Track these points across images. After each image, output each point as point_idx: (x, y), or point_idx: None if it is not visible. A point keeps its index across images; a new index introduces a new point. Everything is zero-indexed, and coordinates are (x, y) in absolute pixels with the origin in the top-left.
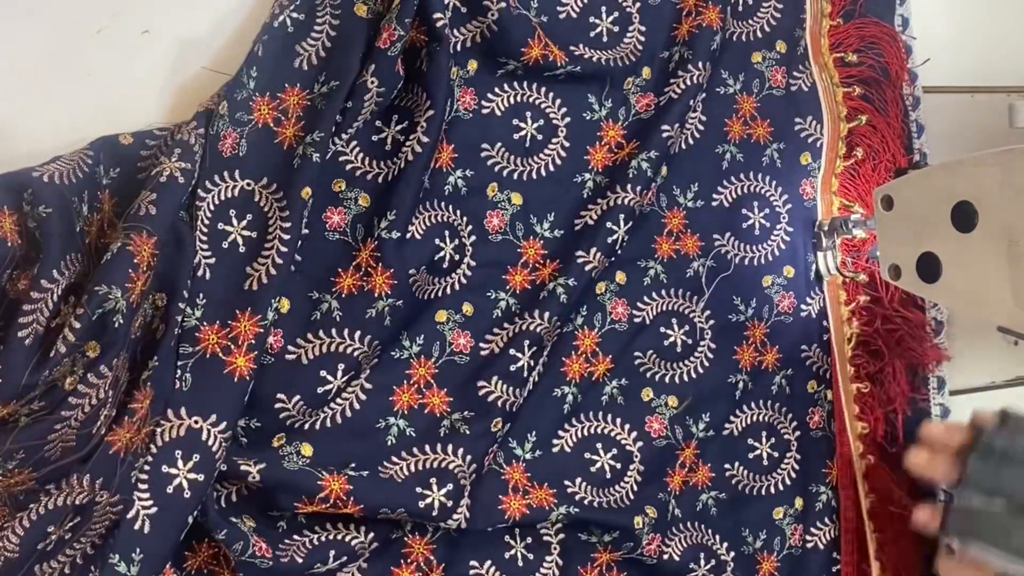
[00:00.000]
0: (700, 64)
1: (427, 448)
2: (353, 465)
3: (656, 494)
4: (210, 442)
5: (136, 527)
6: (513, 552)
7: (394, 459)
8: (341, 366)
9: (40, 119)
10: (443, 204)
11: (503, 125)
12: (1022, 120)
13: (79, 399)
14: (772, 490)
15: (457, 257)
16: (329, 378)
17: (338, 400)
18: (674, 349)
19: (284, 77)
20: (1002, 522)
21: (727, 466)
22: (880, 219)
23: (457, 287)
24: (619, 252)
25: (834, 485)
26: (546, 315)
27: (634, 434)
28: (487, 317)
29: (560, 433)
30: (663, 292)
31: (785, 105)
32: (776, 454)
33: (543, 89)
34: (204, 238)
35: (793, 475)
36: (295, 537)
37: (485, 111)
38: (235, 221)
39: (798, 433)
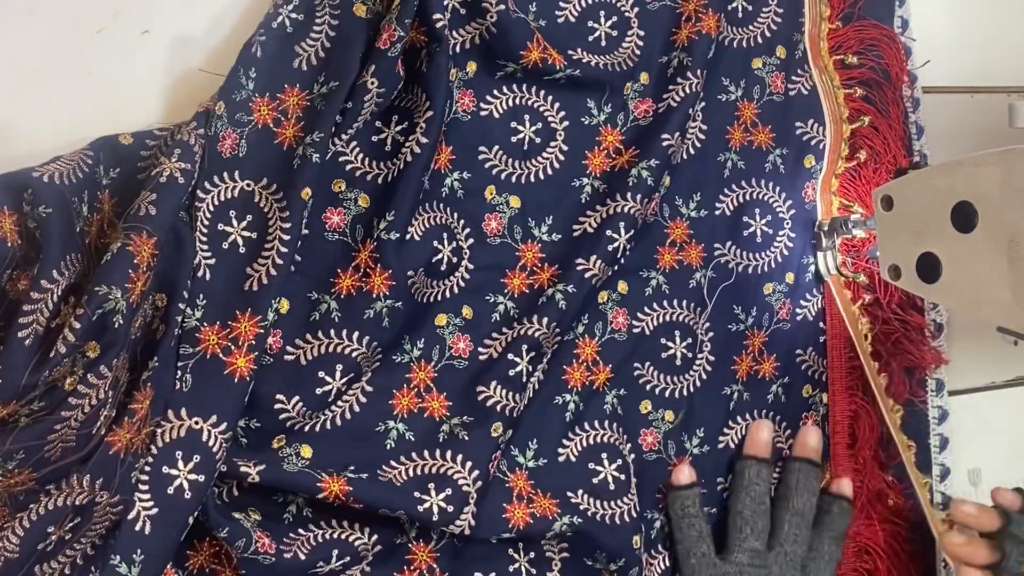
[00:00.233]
0: (699, 71)
1: (426, 453)
2: (352, 468)
3: (644, 509)
4: (210, 443)
5: (137, 528)
6: (517, 566)
7: (393, 463)
8: (339, 367)
9: (40, 119)
10: (440, 206)
11: (501, 127)
12: (1022, 120)
13: (79, 399)
14: None
15: (455, 260)
16: (328, 379)
17: (338, 403)
18: (673, 362)
19: (283, 78)
20: None
21: (719, 480)
22: (880, 219)
23: (456, 290)
24: (621, 261)
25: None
26: (544, 321)
27: (629, 445)
28: (486, 321)
29: (564, 442)
30: (665, 303)
31: (785, 110)
32: None
33: (542, 92)
34: (204, 239)
35: None
36: (300, 531)
37: (484, 113)
38: (235, 222)
39: (791, 441)
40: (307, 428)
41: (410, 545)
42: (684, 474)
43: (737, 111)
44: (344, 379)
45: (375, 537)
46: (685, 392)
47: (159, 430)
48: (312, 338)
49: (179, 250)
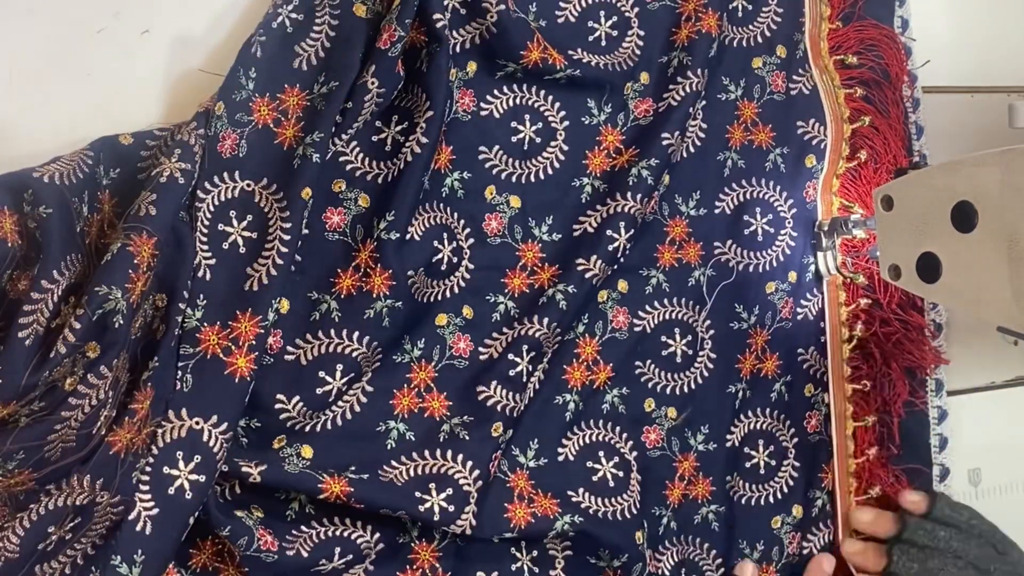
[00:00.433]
0: (699, 71)
1: (427, 453)
2: (353, 468)
3: (651, 507)
4: (211, 443)
5: (137, 528)
6: (519, 565)
7: (394, 463)
8: (340, 367)
9: (40, 119)
10: (441, 206)
11: (502, 127)
12: (1022, 120)
13: (79, 399)
14: (771, 499)
15: (455, 260)
16: (328, 379)
17: (339, 403)
18: (674, 359)
19: (283, 78)
20: None
21: (727, 478)
22: (880, 219)
23: (456, 290)
24: (621, 260)
25: (830, 489)
26: (545, 321)
27: (631, 443)
28: (486, 321)
29: (564, 441)
30: (665, 301)
31: (786, 109)
32: (773, 462)
33: (542, 92)
34: (204, 239)
35: (791, 482)
36: (303, 528)
37: (484, 113)
38: (235, 222)
39: (796, 440)
40: (308, 428)
41: (412, 544)
42: (751, 571)
43: (737, 110)
44: (344, 379)
45: (377, 536)
46: (687, 389)
47: (160, 430)
48: (312, 338)
49: (179, 250)
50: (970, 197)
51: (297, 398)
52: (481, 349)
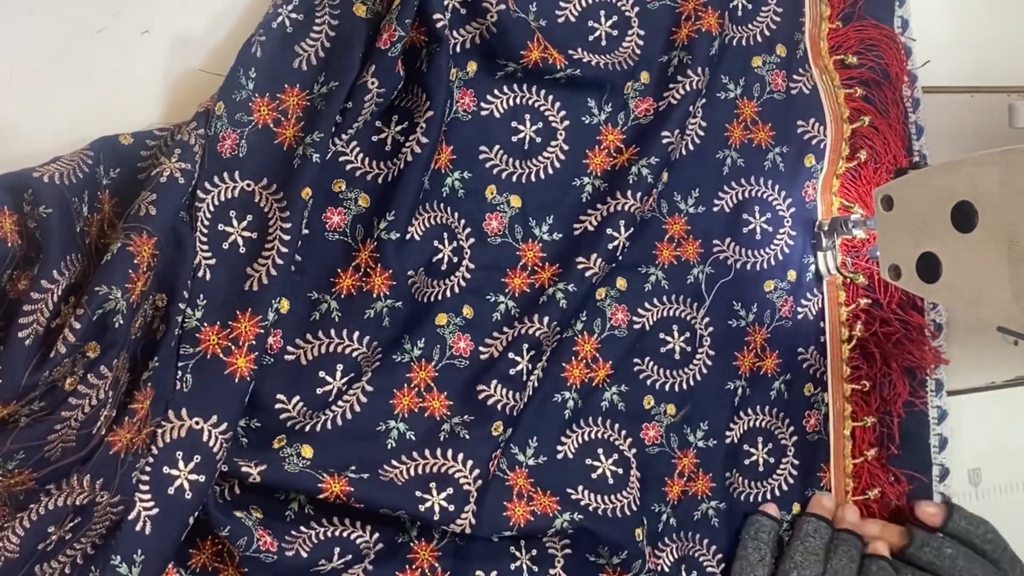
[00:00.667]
0: (699, 69)
1: (427, 452)
2: (353, 468)
3: (651, 504)
4: (211, 443)
5: (137, 528)
6: (519, 564)
7: (394, 462)
8: (340, 367)
9: (40, 119)
10: (441, 206)
11: (502, 127)
12: (1022, 120)
13: (79, 399)
14: (768, 496)
15: (455, 260)
16: (328, 379)
17: (339, 402)
18: (672, 356)
19: (283, 78)
20: None
21: (727, 474)
22: (880, 219)
23: (456, 290)
24: (620, 258)
25: (828, 489)
26: (545, 320)
27: (629, 440)
28: (486, 320)
29: (563, 439)
30: (664, 298)
31: (786, 109)
32: (772, 460)
33: (543, 92)
34: (204, 239)
35: (791, 480)
36: (302, 529)
37: (484, 113)
38: (235, 222)
39: (795, 438)
40: (308, 428)
41: (412, 544)
42: (773, 508)
43: (736, 109)
44: (344, 379)
45: (376, 535)
46: (685, 386)
47: (159, 430)
48: (312, 338)
49: (179, 250)
50: (970, 197)
51: (297, 398)
52: (481, 349)
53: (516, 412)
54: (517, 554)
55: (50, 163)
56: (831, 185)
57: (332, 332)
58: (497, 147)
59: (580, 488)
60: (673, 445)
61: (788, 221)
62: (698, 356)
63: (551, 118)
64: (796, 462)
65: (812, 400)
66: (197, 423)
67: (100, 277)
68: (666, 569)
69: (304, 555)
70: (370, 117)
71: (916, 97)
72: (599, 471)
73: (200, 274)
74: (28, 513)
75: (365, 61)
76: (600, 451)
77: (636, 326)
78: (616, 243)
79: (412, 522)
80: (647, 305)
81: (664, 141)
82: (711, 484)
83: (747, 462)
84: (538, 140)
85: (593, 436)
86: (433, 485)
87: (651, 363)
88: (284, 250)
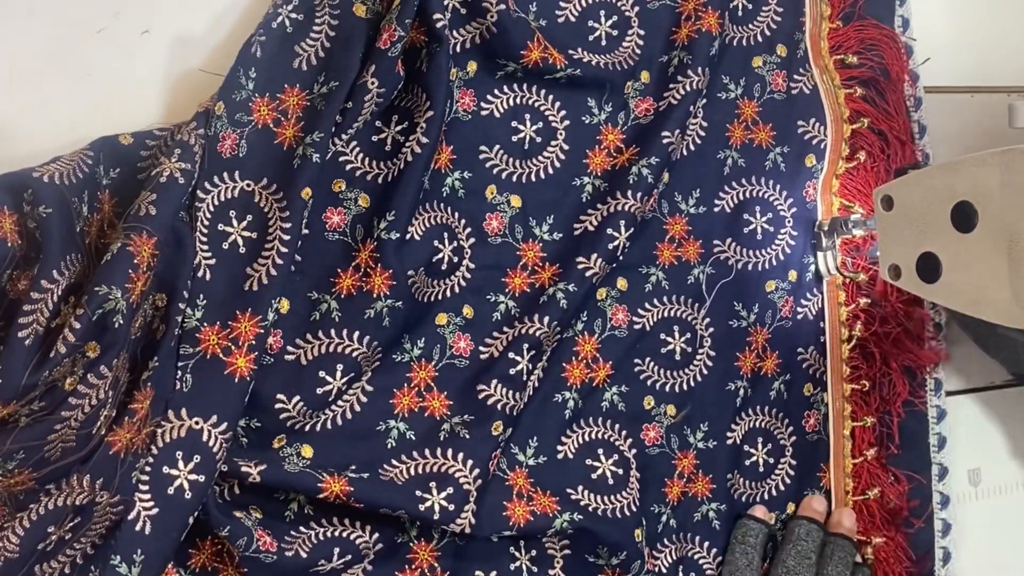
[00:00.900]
0: (699, 69)
1: (427, 452)
2: (353, 467)
3: (650, 504)
4: (211, 443)
5: (137, 528)
6: (518, 564)
7: (394, 462)
8: (340, 367)
9: (40, 119)
10: (441, 205)
11: (502, 127)
12: (1022, 120)
13: (79, 399)
14: (766, 496)
15: (456, 259)
16: (328, 379)
17: (339, 402)
18: (673, 357)
19: (283, 78)
20: None
21: (728, 476)
22: (880, 219)
23: (457, 289)
24: (620, 258)
25: (827, 489)
26: (546, 320)
27: (629, 440)
28: (487, 320)
29: (563, 439)
30: (664, 299)
31: (787, 109)
32: (771, 460)
33: (543, 92)
34: (204, 239)
35: (787, 480)
36: (302, 529)
37: (484, 113)
38: (235, 222)
39: (794, 438)
40: (308, 428)
41: (411, 544)
42: (762, 511)
43: (737, 109)
44: (344, 379)
45: (376, 536)
46: (686, 387)
47: (159, 430)
48: (312, 338)
49: (179, 250)
50: (970, 197)
51: (297, 398)
52: (481, 348)
53: (516, 412)
54: (517, 554)
55: (50, 163)
56: (831, 185)
57: (332, 332)
58: (497, 147)
59: (580, 488)
60: (673, 446)
61: (789, 221)
62: (698, 357)
63: (551, 118)
64: (794, 462)
65: (812, 400)
66: (197, 423)
67: (100, 277)
68: (664, 570)
69: (304, 555)
70: (370, 117)
71: (918, 96)
72: (599, 471)
73: (200, 274)
74: (28, 513)
75: (365, 61)
76: (600, 451)
77: (636, 326)
78: (616, 243)
79: (412, 522)
80: (648, 305)
81: (664, 141)
82: (711, 485)
83: (748, 463)
84: (538, 140)
85: (593, 436)
86: (433, 485)
87: (651, 363)
88: (284, 250)
